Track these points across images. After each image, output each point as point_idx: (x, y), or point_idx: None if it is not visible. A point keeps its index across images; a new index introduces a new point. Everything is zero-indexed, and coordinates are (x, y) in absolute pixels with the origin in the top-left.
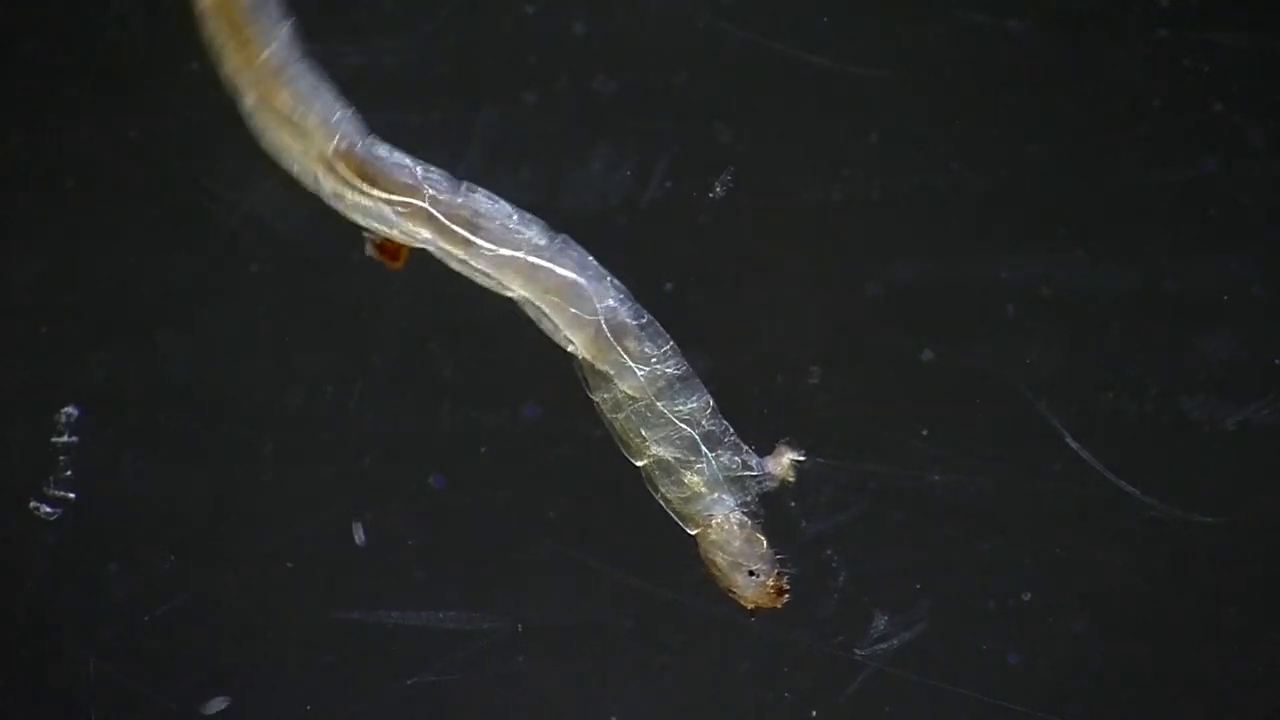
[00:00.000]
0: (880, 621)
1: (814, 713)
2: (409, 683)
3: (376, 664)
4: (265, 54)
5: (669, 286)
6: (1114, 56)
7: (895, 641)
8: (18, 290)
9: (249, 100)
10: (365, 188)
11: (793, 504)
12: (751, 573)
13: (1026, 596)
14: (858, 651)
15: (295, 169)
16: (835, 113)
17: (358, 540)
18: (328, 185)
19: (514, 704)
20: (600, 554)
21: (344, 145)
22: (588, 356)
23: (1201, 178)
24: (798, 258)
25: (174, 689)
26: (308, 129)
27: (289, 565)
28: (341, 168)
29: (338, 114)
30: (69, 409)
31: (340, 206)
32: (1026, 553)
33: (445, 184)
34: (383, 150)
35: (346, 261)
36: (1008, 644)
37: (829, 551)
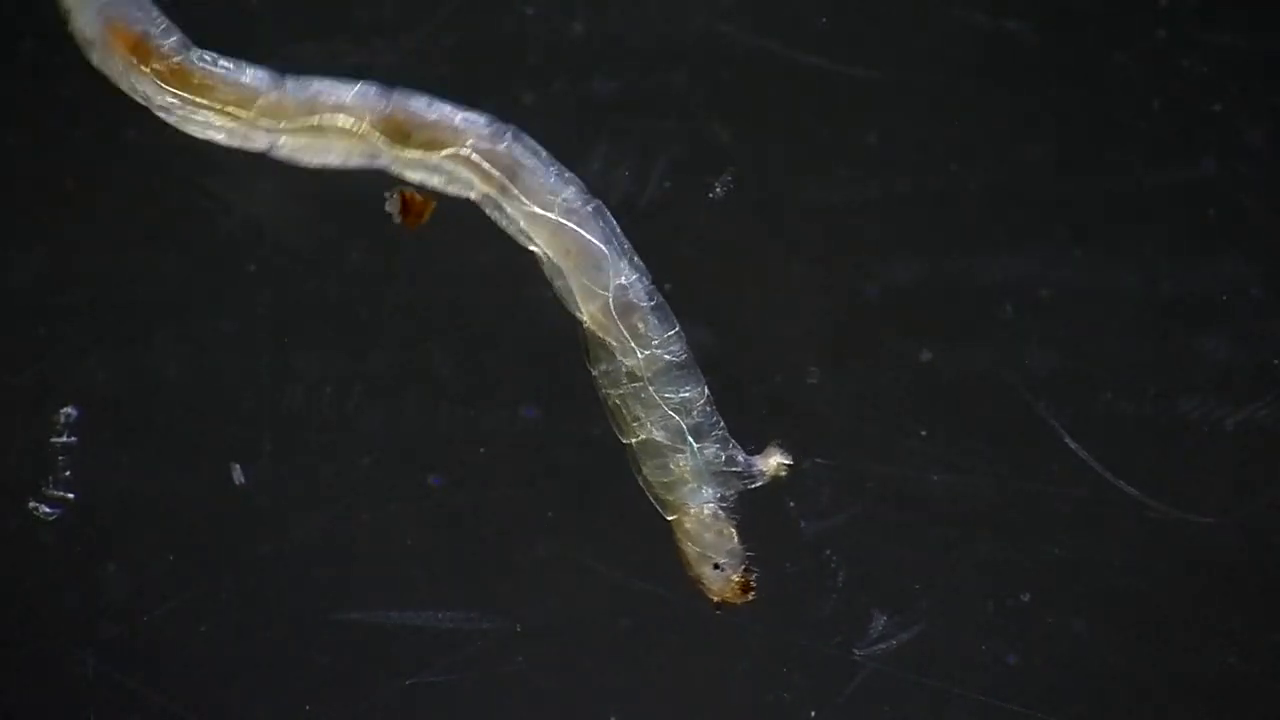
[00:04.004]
0: (879, 621)
1: (813, 713)
2: (408, 683)
3: (376, 664)
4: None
5: (668, 286)
6: (1114, 56)
7: (894, 641)
8: (18, 290)
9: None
10: (405, 147)
11: (792, 504)
12: (718, 566)
13: (1026, 597)
14: (857, 652)
15: (344, 153)
16: (835, 113)
17: (236, 481)
18: (382, 154)
19: (514, 704)
20: (600, 554)
21: (377, 115)
22: (593, 327)
23: (1201, 178)
24: (797, 258)
25: (174, 689)
26: (338, 121)
27: (289, 565)
28: (380, 134)
29: (357, 88)
30: (68, 409)
31: (394, 170)
32: (1026, 553)
33: (487, 130)
34: (417, 105)
35: (346, 261)
36: (1007, 644)
37: (828, 551)
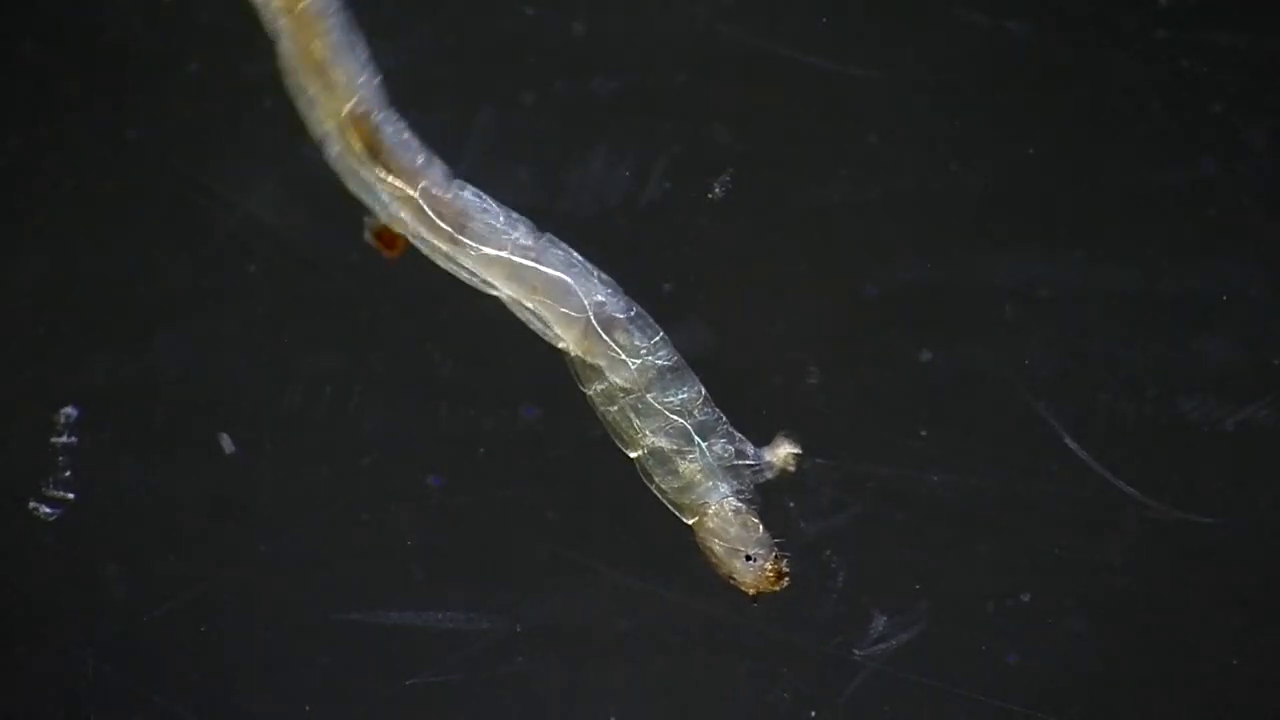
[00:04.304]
0: (879, 622)
1: (813, 713)
2: (408, 683)
3: (376, 664)
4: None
5: (668, 287)
6: (1114, 56)
7: (894, 642)
8: (18, 290)
9: (285, 44)
10: (366, 160)
11: (792, 504)
12: (749, 557)
13: (1025, 597)
14: (857, 652)
15: (311, 120)
16: (834, 113)
17: (226, 450)
18: (336, 146)
19: (513, 704)
20: (599, 554)
21: (361, 109)
22: (578, 352)
23: (1200, 178)
24: (797, 258)
25: (174, 689)
26: (334, 82)
27: (289, 565)
28: (352, 133)
29: (364, 77)
30: (68, 409)
31: (341, 171)
32: (1025, 553)
33: (441, 178)
34: (394, 128)
35: (346, 261)
36: (1007, 644)
37: (828, 552)
